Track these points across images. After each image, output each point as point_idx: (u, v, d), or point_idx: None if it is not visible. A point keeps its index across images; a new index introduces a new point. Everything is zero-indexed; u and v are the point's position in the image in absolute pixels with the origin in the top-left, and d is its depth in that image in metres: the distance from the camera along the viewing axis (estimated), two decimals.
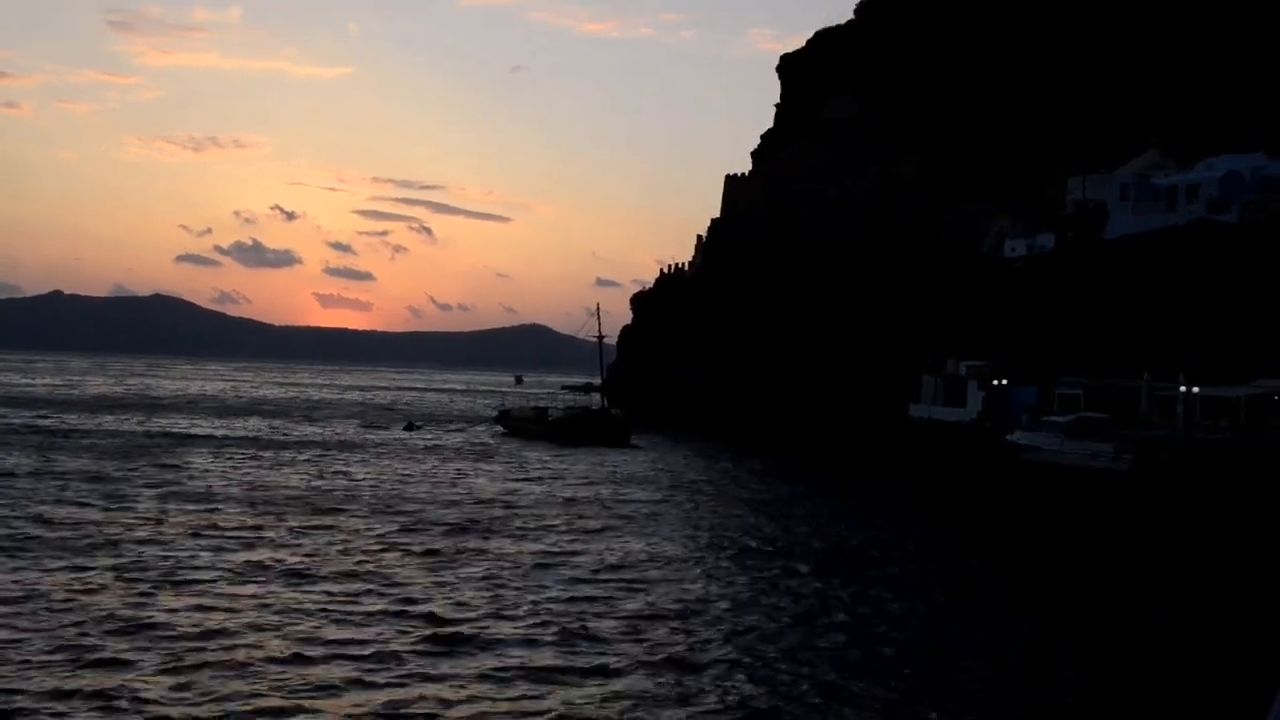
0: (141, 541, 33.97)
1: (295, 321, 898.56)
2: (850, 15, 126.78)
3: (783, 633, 25.73)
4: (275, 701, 19.23)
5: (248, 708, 18.82)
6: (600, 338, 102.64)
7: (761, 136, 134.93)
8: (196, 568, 30.42)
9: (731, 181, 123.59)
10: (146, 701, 18.96)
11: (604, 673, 21.72)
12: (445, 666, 21.73)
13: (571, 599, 28.13)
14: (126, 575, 28.77)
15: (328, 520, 40.19)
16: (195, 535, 35.67)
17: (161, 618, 24.35)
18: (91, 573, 28.96)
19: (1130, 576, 35.87)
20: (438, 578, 30.24)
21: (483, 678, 21.17)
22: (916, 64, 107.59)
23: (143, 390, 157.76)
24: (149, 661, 21.19)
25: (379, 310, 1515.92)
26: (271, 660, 21.55)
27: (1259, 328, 58.20)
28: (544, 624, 25.32)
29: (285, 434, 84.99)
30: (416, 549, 34.67)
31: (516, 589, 29.22)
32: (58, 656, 21.34)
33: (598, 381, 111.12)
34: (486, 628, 24.87)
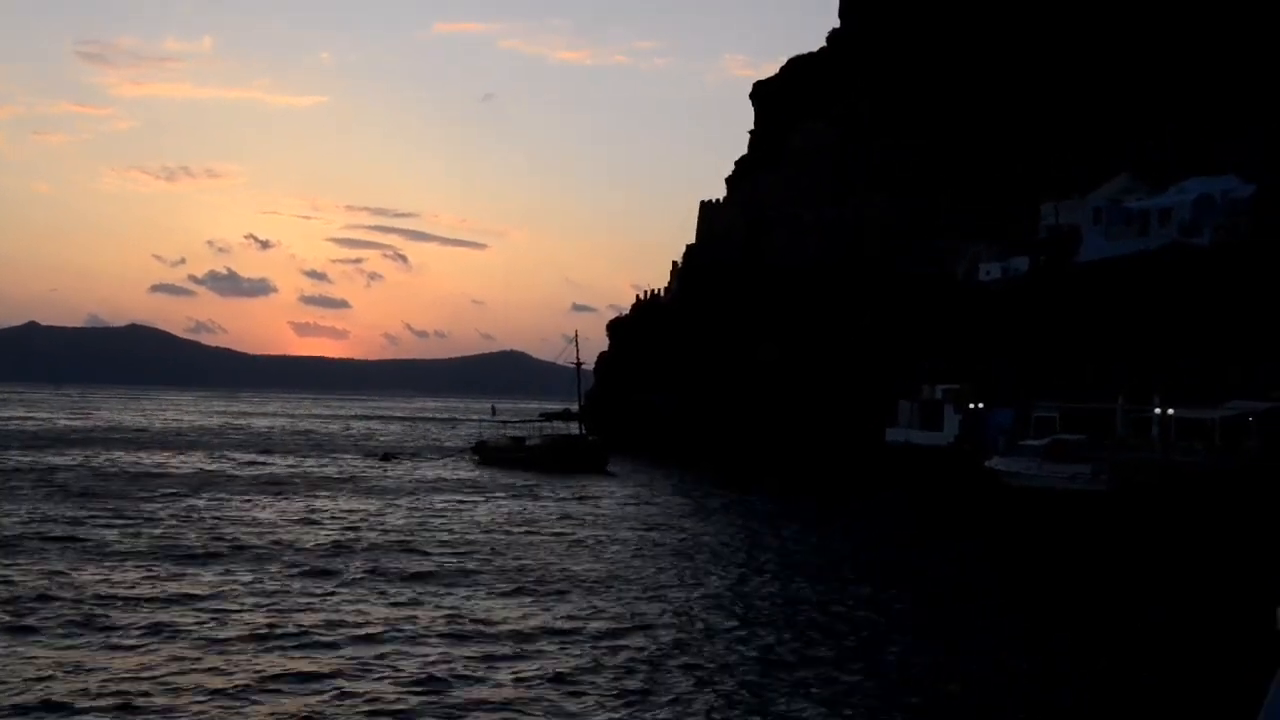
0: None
1: (272, 350, 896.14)
2: (823, 43, 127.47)
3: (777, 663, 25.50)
4: None
5: None
6: (579, 364, 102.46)
7: (736, 163, 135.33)
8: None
9: (707, 208, 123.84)
10: None
11: None
12: None
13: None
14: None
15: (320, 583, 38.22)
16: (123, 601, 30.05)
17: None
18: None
19: (1112, 590, 35.81)
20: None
21: None
22: (888, 90, 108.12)
23: (113, 424, 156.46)
24: None
25: (356, 338, 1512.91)
26: None
27: (1232, 350, 58.49)
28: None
29: (257, 470, 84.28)
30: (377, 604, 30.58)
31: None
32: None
33: (576, 408, 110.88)
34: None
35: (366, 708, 20.96)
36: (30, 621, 27.18)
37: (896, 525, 55.45)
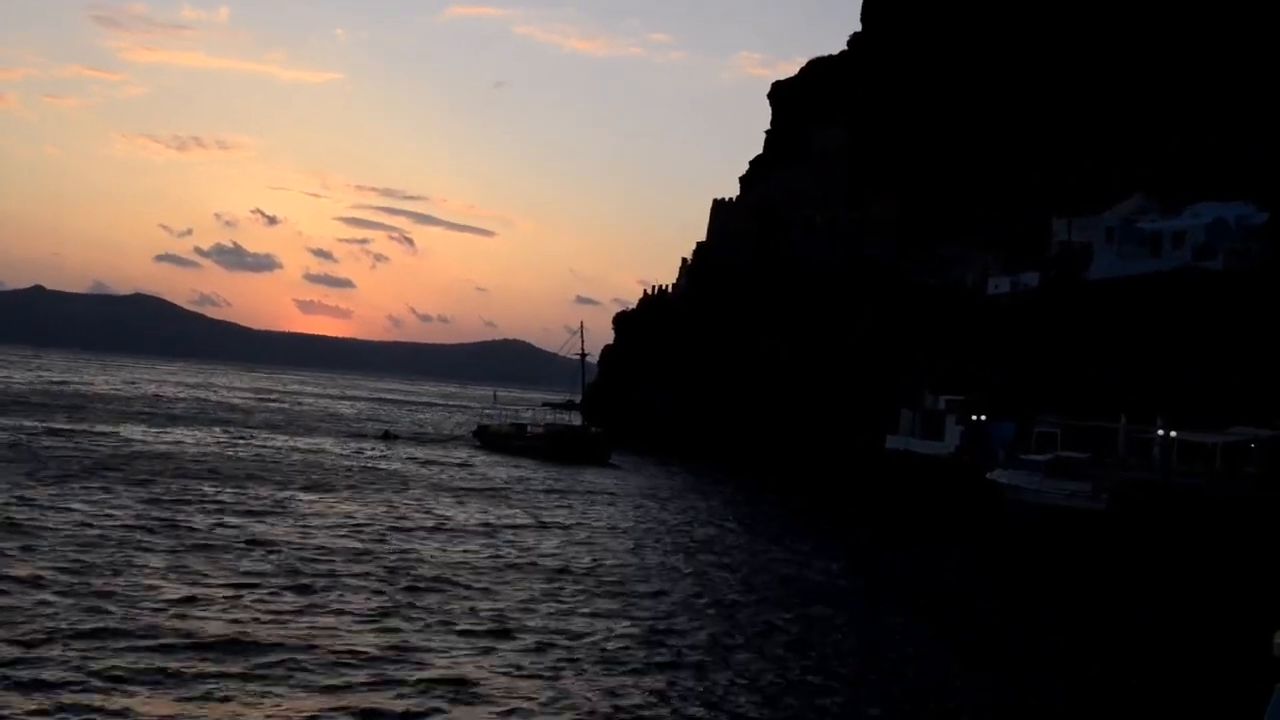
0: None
1: (275, 326, 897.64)
2: (843, 46, 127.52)
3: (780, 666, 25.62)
4: None
5: None
6: (583, 356, 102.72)
7: (750, 162, 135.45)
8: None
9: (719, 206, 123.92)
10: None
11: None
12: None
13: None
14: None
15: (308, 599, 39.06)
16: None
17: None
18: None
19: (1099, 608, 35.93)
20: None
21: None
22: (906, 98, 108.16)
23: (132, 390, 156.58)
24: None
25: (359, 318, 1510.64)
26: None
27: (1239, 375, 58.56)
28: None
29: (262, 446, 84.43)
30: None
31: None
32: None
33: (579, 399, 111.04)
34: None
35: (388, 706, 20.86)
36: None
37: (893, 533, 55.57)
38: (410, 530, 42.23)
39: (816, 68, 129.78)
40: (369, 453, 79.64)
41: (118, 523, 37.43)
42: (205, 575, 29.90)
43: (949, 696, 23.78)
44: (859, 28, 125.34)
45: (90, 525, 36.30)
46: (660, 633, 27.72)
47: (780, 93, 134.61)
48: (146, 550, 32.87)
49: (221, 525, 39.10)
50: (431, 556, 36.21)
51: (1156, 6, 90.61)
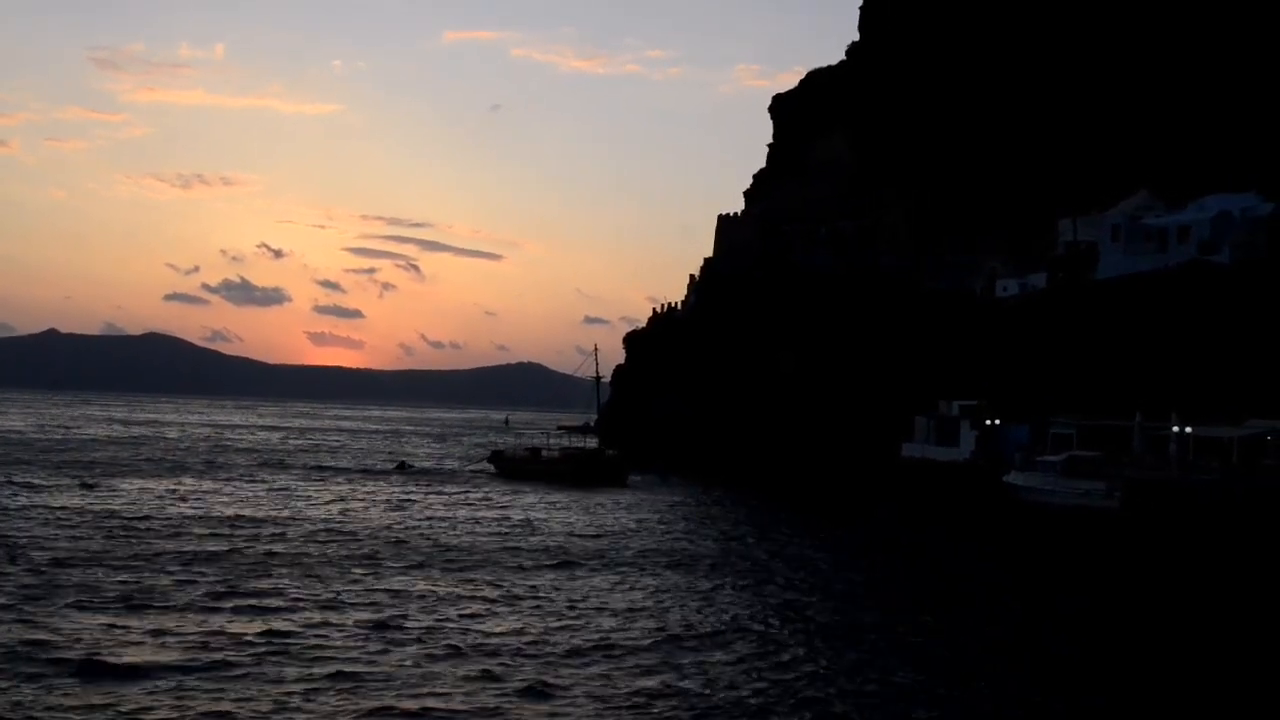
0: None
1: (289, 360, 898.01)
2: (841, 56, 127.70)
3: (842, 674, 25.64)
4: None
5: None
6: (598, 378, 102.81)
7: (754, 176, 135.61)
8: None
9: (725, 221, 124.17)
10: None
11: None
12: None
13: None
14: None
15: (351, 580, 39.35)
16: None
17: None
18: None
19: (1106, 607, 35.87)
20: None
21: None
22: (907, 105, 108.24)
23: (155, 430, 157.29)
24: None
25: (371, 348, 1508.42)
26: None
27: (1251, 368, 58.41)
28: None
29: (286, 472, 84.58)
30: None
31: None
32: None
33: (594, 421, 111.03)
34: None
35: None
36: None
37: (908, 537, 55.45)
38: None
39: (816, 79, 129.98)
40: (396, 496, 69.66)
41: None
42: None
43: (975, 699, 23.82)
44: (856, 37, 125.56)
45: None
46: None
47: (781, 105, 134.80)
48: None
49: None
50: None
51: (1156, 1, 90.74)
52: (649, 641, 29.07)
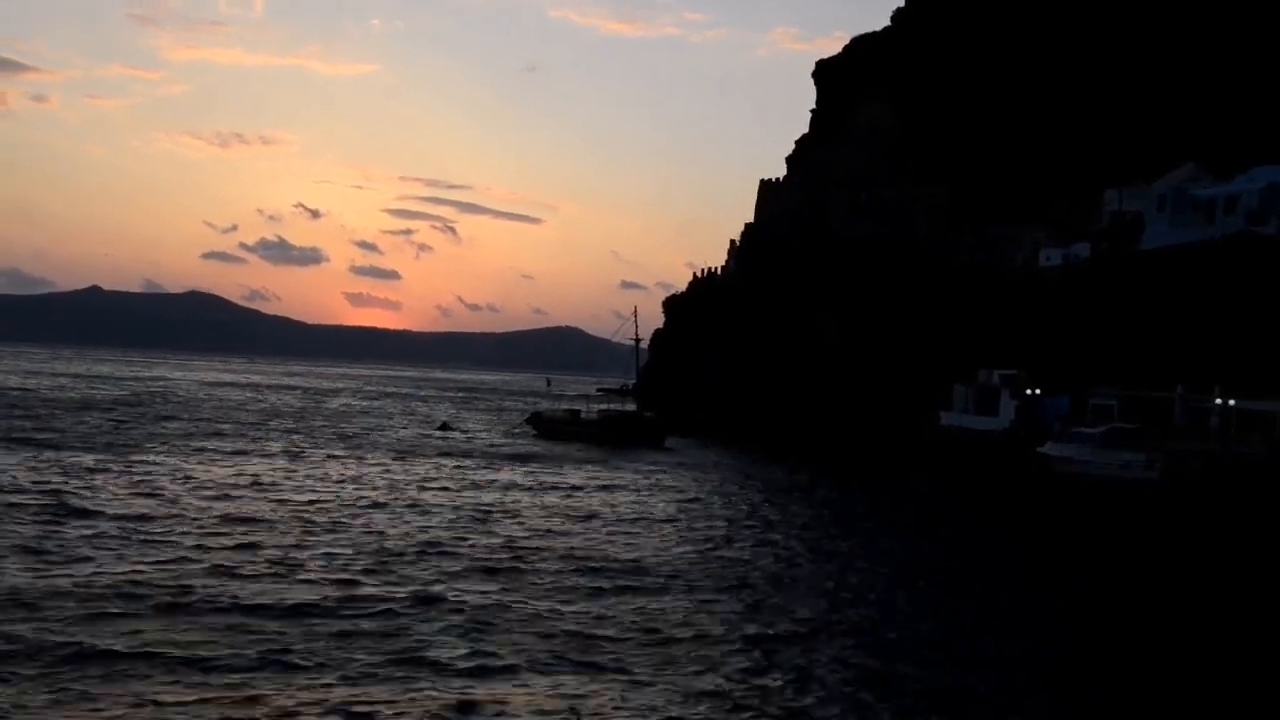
0: None
1: (327, 320, 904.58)
2: (883, 19, 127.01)
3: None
4: None
5: None
6: (637, 341, 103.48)
7: (796, 142, 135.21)
8: None
9: (766, 186, 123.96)
10: None
11: None
12: None
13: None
14: None
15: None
16: None
17: None
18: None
19: (1139, 580, 36.01)
20: None
21: None
22: (952, 73, 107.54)
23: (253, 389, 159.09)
24: None
25: (408, 310, 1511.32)
26: None
27: None
28: None
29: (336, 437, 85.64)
30: None
31: None
32: None
33: (632, 384, 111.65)
34: None
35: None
36: None
37: (944, 506, 55.64)
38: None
39: (860, 45, 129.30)
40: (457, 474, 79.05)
41: None
42: None
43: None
44: (901, 2, 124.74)
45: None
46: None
47: (825, 71, 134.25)
48: None
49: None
50: None
51: None
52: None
